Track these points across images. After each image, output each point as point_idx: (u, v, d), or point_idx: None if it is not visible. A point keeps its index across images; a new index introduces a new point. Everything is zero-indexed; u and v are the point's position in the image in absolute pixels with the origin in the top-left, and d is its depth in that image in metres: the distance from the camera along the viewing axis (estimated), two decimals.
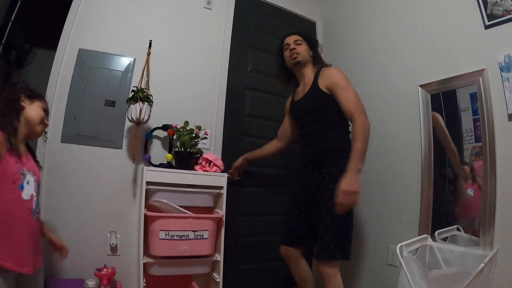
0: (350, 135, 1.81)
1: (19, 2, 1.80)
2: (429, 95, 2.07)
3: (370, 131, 1.78)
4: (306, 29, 3.08)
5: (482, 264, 1.19)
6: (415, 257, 1.52)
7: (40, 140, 1.94)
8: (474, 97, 1.81)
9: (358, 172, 1.65)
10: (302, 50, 2.10)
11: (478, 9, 1.80)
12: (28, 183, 1.33)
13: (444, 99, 2.02)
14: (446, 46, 1.98)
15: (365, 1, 2.68)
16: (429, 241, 1.74)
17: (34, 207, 1.35)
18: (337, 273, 1.76)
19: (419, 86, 2.11)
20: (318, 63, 2.14)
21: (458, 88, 1.92)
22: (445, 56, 1.99)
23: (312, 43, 2.18)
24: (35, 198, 1.36)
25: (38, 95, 1.48)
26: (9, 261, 1.22)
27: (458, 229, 1.85)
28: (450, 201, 1.98)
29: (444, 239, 1.85)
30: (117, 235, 2.09)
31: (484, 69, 1.74)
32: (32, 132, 1.44)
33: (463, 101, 1.90)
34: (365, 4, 2.68)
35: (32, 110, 1.41)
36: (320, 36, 3.13)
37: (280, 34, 2.86)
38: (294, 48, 2.09)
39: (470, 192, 1.85)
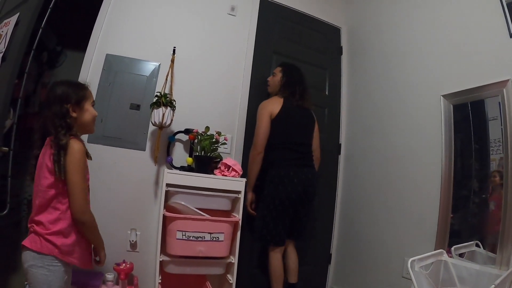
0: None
1: (51, 4, 1.90)
2: (451, 106, 2.02)
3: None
4: (330, 35, 3.09)
5: (493, 286, 1.16)
6: (427, 272, 1.50)
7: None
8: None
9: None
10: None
11: (504, 18, 1.75)
12: None
13: (472, 109, 1.96)
14: (469, 55, 1.94)
15: (390, 7, 2.65)
16: (444, 256, 1.70)
17: None
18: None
19: (442, 96, 2.07)
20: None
21: (485, 99, 1.85)
22: (468, 66, 1.94)
23: None
24: None
25: (81, 94, 1.37)
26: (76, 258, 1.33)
27: (477, 245, 1.79)
28: (474, 214, 1.90)
29: (462, 255, 1.80)
30: (137, 233, 2.18)
31: (508, 80, 1.68)
32: (88, 131, 1.48)
33: (492, 110, 1.82)
34: (390, 10, 2.65)
35: (85, 115, 1.39)
36: (344, 42, 3.12)
37: (304, 40, 2.91)
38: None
39: (492, 205, 1.79)
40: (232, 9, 2.59)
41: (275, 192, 2.18)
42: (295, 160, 2.24)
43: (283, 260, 2.27)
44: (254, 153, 2.22)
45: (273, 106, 2.27)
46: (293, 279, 2.30)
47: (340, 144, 2.98)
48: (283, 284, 2.22)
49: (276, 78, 2.41)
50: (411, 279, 1.44)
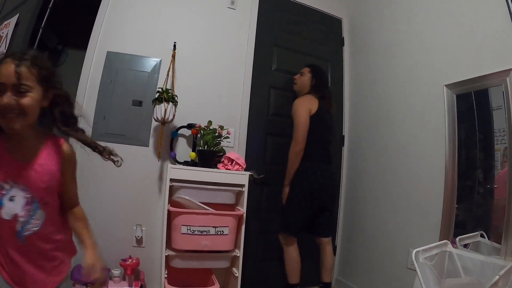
0: None
1: (51, 4, 1.90)
2: (455, 95, 2.01)
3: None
4: (331, 26, 3.06)
5: (497, 277, 1.16)
6: (432, 263, 1.50)
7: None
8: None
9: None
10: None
11: (507, 6, 1.71)
12: (11, 200, 1.01)
13: (476, 98, 1.94)
14: (472, 45, 1.91)
15: None
16: (449, 247, 1.70)
17: (18, 228, 1.02)
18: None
19: (445, 85, 2.05)
20: None
21: (489, 88, 1.83)
22: (471, 55, 1.92)
23: None
24: (21, 219, 1.02)
25: None
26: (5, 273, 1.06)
27: (482, 236, 1.79)
28: (479, 204, 1.89)
29: (467, 245, 1.79)
30: (142, 228, 2.20)
31: (511, 68, 1.66)
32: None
33: (496, 99, 1.79)
34: (391, 0, 2.62)
35: None
36: (346, 33, 3.09)
37: (305, 32, 2.89)
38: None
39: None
40: (232, 2, 2.58)
41: (305, 183, 2.24)
42: (324, 158, 2.34)
43: (319, 259, 2.36)
44: (297, 148, 2.24)
45: (311, 104, 2.31)
46: (327, 278, 2.33)
47: (344, 135, 2.97)
48: (299, 275, 2.26)
49: (304, 78, 2.46)
50: (415, 270, 1.45)
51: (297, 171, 2.27)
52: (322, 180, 2.25)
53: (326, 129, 2.37)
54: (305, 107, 2.27)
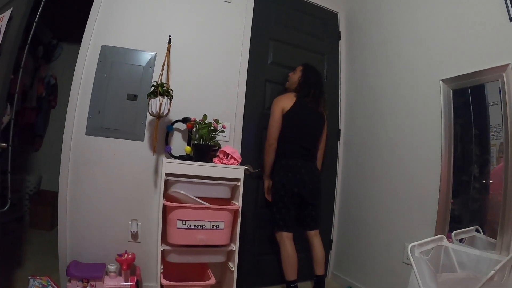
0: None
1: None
2: (451, 90, 2.00)
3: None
4: (328, 20, 3.04)
5: (493, 271, 1.16)
6: (427, 258, 1.50)
7: (66, 132, 2.06)
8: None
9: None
10: None
11: (504, 1, 1.71)
12: None
13: (472, 93, 1.94)
14: (469, 40, 1.91)
15: None
16: (445, 242, 1.71)
17: None
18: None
19: (441, 80, 2.04)
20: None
21: (485, 83, 1.82)
22: (468, 50, 1.91)
23: None
24: None
25: None
26: None
27: (478, 230, 1.79)
28: (475, 199, 1.89)
29: (462, 240, 1.80)
30: (138, 223, 2.20)
31: (508, 64, 1.66)
32: None
33: (492, 95, 1.79)
34: None
35: None
36: (342, 27, 3.08)
37: (301, 26, 2.87)
38: None
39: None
40: None
41: (284, 179, 2.31)
42: (302, 155, 2.38)
43: (310, 253, 2.41)
44: (267, 145, 2.38)
45: (285, 102, 2.37)
46: (319, 270, 2.36)
47: (339, 129, 2.97)
48: (296, 271, 2.26)
49: (295, 75, 2.50)
50: (411, 265, 1.45)
51: (275, 169, 2.40)
52: (300, 175, 2.31)
53: (305, 127, 2.40)
54: (278, 106, 2.36)
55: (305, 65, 2.53)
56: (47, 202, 3.35)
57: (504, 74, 1.68)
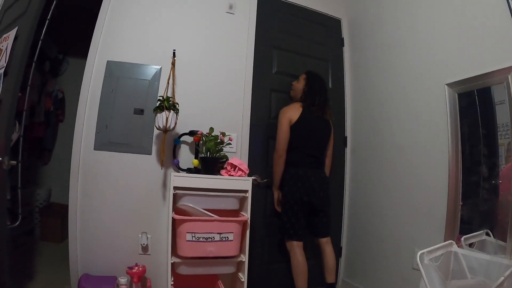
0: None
1: (49, 15, 1.91)
2: (456, 94, 2.00)
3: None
4: (331, 27, 3.05)
5: (502, 278, 1.16)
6: (437, 264, 1.49)
7: (75, 147, 2.09)
8: None
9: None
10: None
11: (507, 4, 1.70)
12: None
13: (478, 95, 1.92)
14: (473, 43, 1.90)
15: None
16: (454, 247, 1.69)
17: None
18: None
19: (446, 84, 2.04)
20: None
21: (491, 86, 1.81)
22: (471, 53, 1.91)
23: None
24: None
25: None
26: None
27: (487, 234, 1.77)
28: (484, 200, 1.86)
29: (472, 244, 1.78)
30: (148, 236, 2.21)
31: None
32: None
33: (499, 94, 1.77)
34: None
35: None
36: (345, 34, 3.09)
37: (304, 33, 2.88)
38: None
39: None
40: (230, 7, 2.58)
41: (294, 189, 2.31)
42: (311, 163, 2.39)
43: (322, 260, 2.39)
44: (276, 156, 2.39)
45: (292, 112, 2.39)
46: (330, 278, 2.34)
47: (346, 136, 2.97)
48: (307, 280, 2.25)
49: (299, 84, 2.51)
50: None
51: (285, 178, 2.39)
52: (309, 184, 2.31)
53: (313, 136, 2.41)
54: (285, 117, 2.37)
55: (308, 73, 2.54)
56: (57, 215, 3.38)
57: (509, 76, 1.67)
